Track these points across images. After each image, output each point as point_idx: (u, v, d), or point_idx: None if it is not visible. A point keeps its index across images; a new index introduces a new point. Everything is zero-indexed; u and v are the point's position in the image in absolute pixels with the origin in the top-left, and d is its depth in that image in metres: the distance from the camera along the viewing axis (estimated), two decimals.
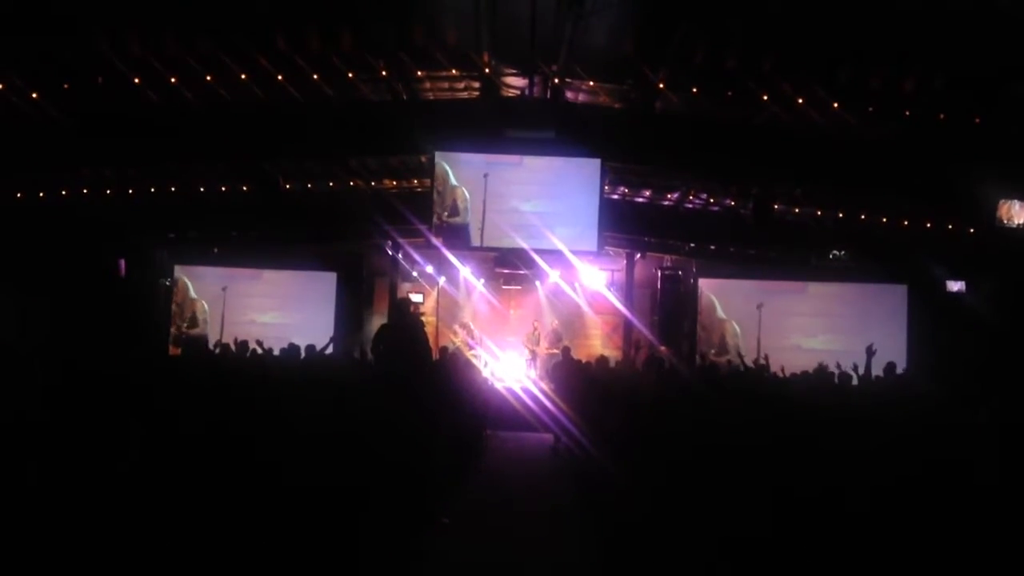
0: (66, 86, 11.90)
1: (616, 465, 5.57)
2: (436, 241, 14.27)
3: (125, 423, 4.26)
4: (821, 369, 8.87)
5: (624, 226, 15.44)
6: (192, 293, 15.59)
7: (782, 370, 9.66)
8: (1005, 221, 12.13)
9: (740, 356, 10.34)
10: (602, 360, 11.32)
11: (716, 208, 15.84)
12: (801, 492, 3.81)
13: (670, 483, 4.43)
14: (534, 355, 15.54)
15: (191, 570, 3.71)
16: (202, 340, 14.18)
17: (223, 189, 15.08)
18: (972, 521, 3.53)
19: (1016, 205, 12.04)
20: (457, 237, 14.27)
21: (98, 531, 3.54)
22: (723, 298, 15.39)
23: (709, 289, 15.45)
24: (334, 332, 13.56)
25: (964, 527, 3.50)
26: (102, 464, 3.83)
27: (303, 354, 9.63)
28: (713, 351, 14.50)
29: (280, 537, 4.10)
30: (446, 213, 14.10)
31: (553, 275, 15.82)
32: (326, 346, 10.27)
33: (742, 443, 4.32)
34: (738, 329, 15.10)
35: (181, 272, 15.56)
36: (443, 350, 12.47)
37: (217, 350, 11.17)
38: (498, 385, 13.56)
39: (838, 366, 9.02)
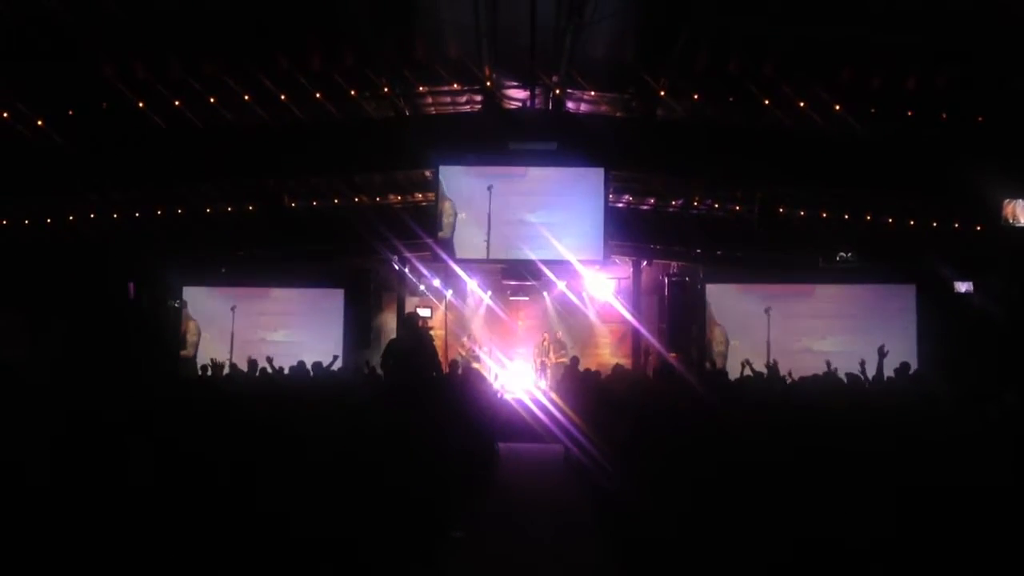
0: (71, 112, 11.98)
1: (627, 477, 5.55)
2: (443, 255, 14.31)
3: (134, 447, 4.27)
4: (828, 375, 8.81)
5: (630, 234, 15.45)
6: (188, 312, 15.64)
7: (790, 374, 9.62)
8: (1011, 220, 12.10)
9: (748, 362, 10.26)
10: (618, 369, 11.27)
11: (721, 213, 15.82)
12: (821, 504, 3.78)
13: (682, 496, 4.41)
14: (544, 366, 15.53)
15: None
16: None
17: (229, 209, 15.14)
18: (992, 522, 3.50)
19: (1020, 204, 12.01)
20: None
21: (110, 554, 3.55)
22: (723, 302, 15.36)
23: (711, 294, 15.44)
24: (342, 348, 13.60)
25: (984, 529, 3.48)
26: (111, 486, 3.84)
27: (311, 372, 9.65)
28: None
29: (294, 552, 4.10)
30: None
31: (560, 285, 15.83)
32: (331, 363, 10.30)
33: (754, 454, 4.30)
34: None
35: (188, 293, 15.62)
36: (452, 363, 12.47)
37: (226, 370, 11.21)
38: (508, 397, 13.55)
39: (861, 364, 8.93)
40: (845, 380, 8.42)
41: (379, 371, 9.40)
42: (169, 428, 4.73)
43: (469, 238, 14.23)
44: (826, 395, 7.08)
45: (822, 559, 3.65)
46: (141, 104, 11.90)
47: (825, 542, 3.65)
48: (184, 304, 15.57)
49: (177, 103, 12.01)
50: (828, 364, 9.26)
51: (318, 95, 12.25)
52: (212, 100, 12.03)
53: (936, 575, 3.49)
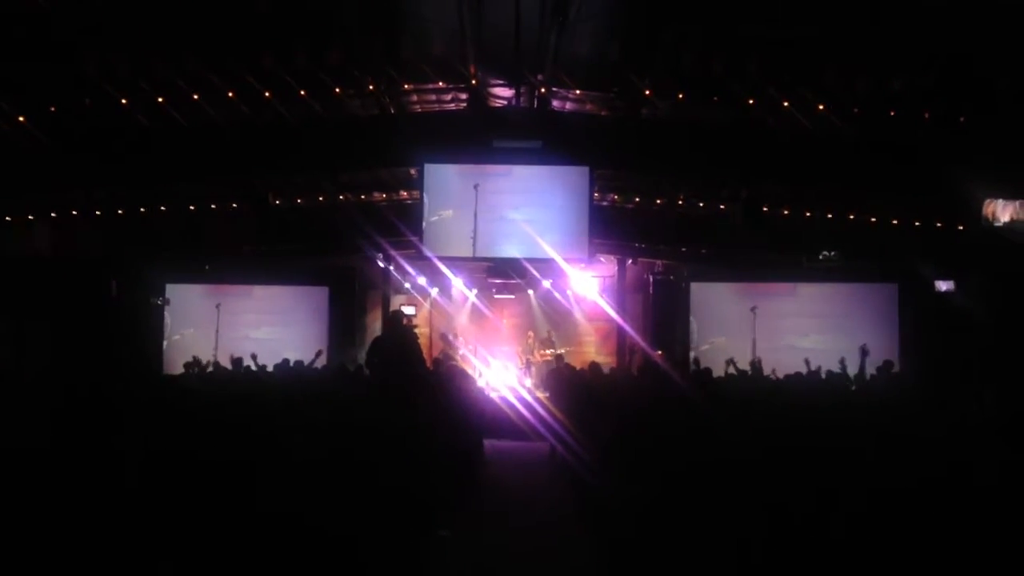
0: (53, 109, 11.90)
1: (610, 475, 5.58)
2: (428, 252, 14.32)
3: (120, 447, 4.26)
4: (811, 373, 8.89)
5: (614, 232, 15.49)
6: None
7: (773, 372, 9.69)
8: (991, 220, 12.21)
9: (732, 361, 10.33)
10: (594, 367, 11.30)
11: (706, 212, 15.90)
12: (798, 498, 3.82)
13: (666, 493, 4.44)
14: (529, 364, 15.56)
15: None
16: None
17: (213, 207, 15.08)
18: (972, 521, 3.54)
19: (1000, 204, 12.12)
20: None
21: (99, 555, 3.55)
22: (707, 300, 15.42)
23: (695, 292, 15.51)
24: (327, 346, 13.57)
25: (965, 528, 3.52)
26: (100, 488, 3.83)
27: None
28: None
29: (278, 552, 4.10)
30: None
31: (545, 283, 15.87)
32: (313, 360, 10.28)
33: (736, 452, 4.33)
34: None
35: (171, 290, 15.52)
36: (437, 361, 12.47)
37: (210, 368, 11.16)
38: (493, 395, 13.56)
39: (842, 362, 9.02)
40: (824, 376, 8.50)
41: (364, 369, 9.39)
42: (151, 427, 4.72)
43: (454, 236, 14.23)
44: (807, 394, 7.14)
45: (796, 552, 3.69)
46: (124, 101, 11.83)
47: (799, 536, 3.69)
48: (167, 302, 15.47)
49: (160, 100, 11.95)
50: (807, 363, 9.36)
51: (303, 93, 12.21)
52: (196, 97, 11.97)
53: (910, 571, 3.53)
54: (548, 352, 15.44)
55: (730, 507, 3.93)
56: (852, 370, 8.69)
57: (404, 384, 7.99)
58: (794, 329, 14.93)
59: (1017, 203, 12.27)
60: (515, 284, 15.57)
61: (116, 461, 3.97)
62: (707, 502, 4.05)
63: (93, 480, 3.79)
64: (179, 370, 11.73)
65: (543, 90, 12.99)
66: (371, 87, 12.45)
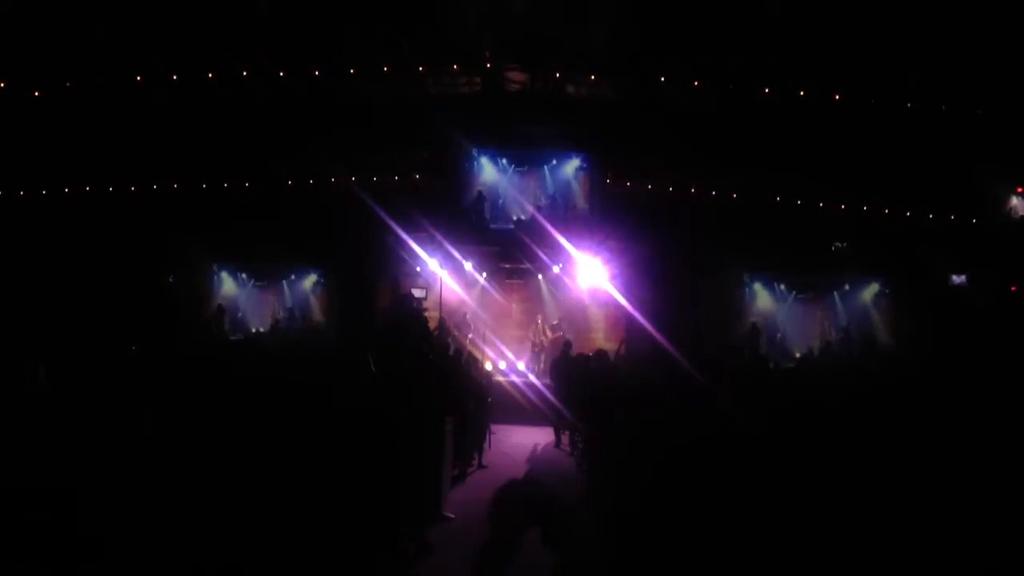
0: (68, 84, 11.96)
1: (614, 456, 5.63)
2: (439, 236, 14.35)
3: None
4: (808, 356, 8.95)
5: (625, 218, 15.45)
6: None
7: (777, 364, 9.75)
8: (1013, 213, 12.16)
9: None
10: (601, 354, 11.30)
11: (717, 199, 15.84)
12: (800, 491, 3.87)
13: (668, 477, 4.49)
14: (537, 348, 15.58)
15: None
16: None
17: (225, 186, 15.15)
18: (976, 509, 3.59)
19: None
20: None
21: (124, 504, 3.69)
22: (717, 287, 15.48)
23: (705, 279, 15.55)
24: (339, 327, 13.66)
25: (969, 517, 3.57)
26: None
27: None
28: None
29: (292, 530, 4.18)
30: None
31: (555, 268, 15.86)
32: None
33: (740, 434, 4.38)
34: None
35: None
36: (445, 344, 12.50)
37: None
38: (501, 379, 13.60)
39: (826, 345, 9.11)
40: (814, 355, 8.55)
41: (373, 351, 9.43)
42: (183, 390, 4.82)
43: (466, 219, 14.28)
44: (798, 369, 7.18)
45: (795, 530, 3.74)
46: (139, 78, 11.88)
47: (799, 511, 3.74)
48: (177, 278, 15.61)
49: (175, 77, 11.99)
50: (811, 350, 9.41)
51: (318, 74, 12.23)
52: (210, 76, 12.01)
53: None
54: (556, 338, 15.43)
55: (732, 490, 3.98)
56: (843, 351, 8.76)
57: (412, 367, 8.04)
58: (802, 318, 14.94)
59: None
60: (525, 269, 15.59)
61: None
62: (708, 486, 4.11)
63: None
64: None
65: (558, 76, 12.98)
66: (386, 69, 12.45)
